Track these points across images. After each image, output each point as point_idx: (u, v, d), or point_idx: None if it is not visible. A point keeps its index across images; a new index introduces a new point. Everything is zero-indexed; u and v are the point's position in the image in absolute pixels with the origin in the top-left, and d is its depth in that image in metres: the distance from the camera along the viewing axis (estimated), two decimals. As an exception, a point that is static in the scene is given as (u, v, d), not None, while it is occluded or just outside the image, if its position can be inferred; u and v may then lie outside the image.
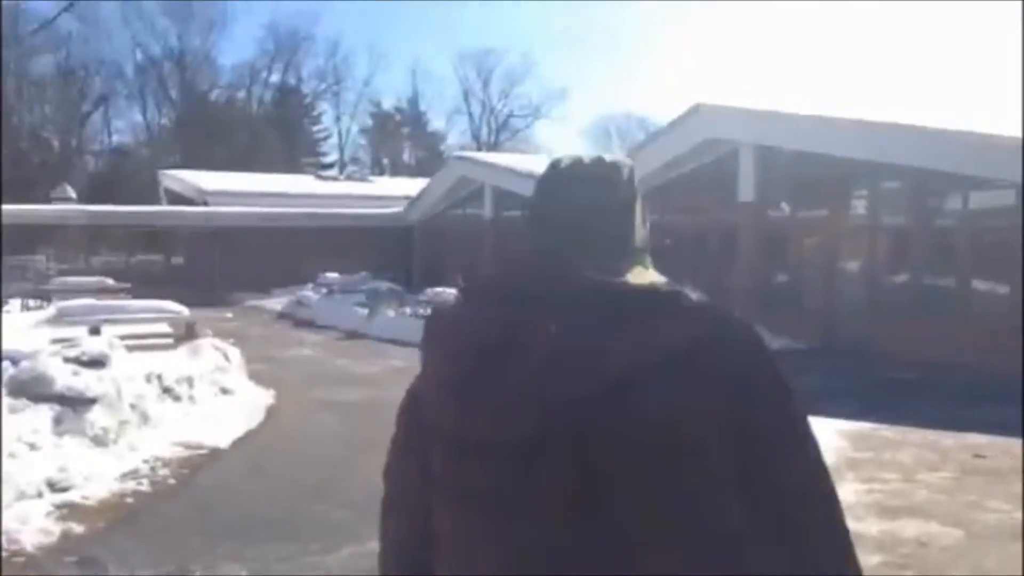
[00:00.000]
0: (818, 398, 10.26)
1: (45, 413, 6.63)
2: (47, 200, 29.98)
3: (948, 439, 7.92)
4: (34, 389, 6.99)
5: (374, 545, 5.28)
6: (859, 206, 15.83)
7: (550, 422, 1.16)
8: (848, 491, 6.29)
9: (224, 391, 9.63)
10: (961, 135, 12.99)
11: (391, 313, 17.31)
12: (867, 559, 4.87)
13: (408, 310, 17.13)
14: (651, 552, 1.15)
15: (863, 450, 7.56)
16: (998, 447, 7.58)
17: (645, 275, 1.34)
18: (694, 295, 1.24)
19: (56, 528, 5.32)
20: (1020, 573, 3.18)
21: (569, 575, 1.16)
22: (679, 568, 1.15)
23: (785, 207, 16.80)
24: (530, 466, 1.18)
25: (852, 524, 4.50)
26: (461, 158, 28.57)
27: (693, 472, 1.17)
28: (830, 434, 8.18)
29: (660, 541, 1.15)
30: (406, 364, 13.35)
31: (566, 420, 1.16)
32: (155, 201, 34.61)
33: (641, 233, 1.41)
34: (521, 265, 1.34)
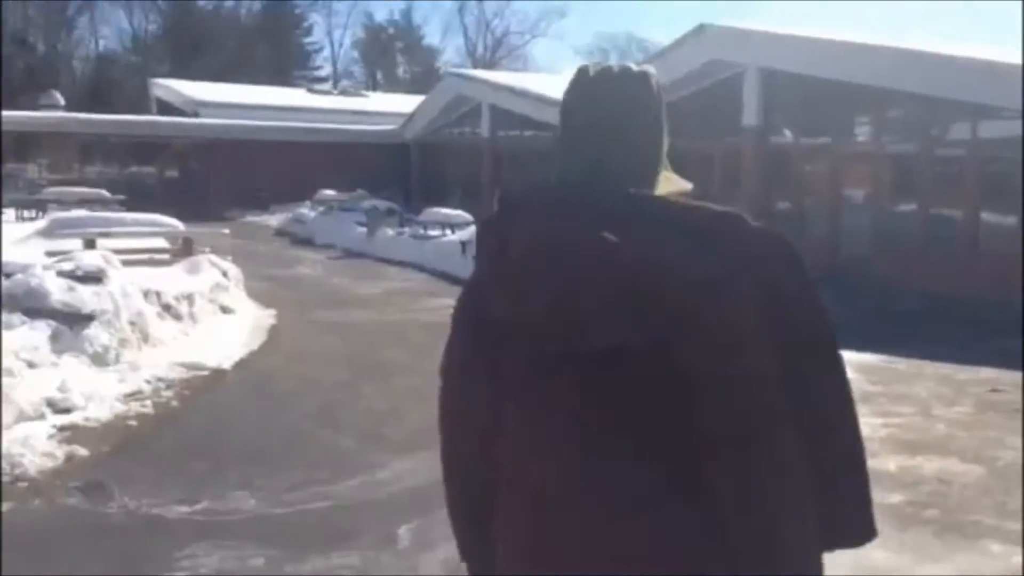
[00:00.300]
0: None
1: (42, 329, 6.44)
2: (35, 107, 29.25)
3: (962, 373, 7.83)
4: (28, 304, 6.80)
5: (384, 475, 5.13)
6: (864, 133, 15.47)
7: (636, 335, 1.20)
8: (863, 425, 6.18)
9: (224, 310, 9.46)
10: (970, 62, 12.61)
11: (390, 233, 17.06)
12: (887, 497, 4.79)
13: (407, 230, 16.87)
14: (721, 462, 1.21)
15: (876, 383, 7.46)
16: (1013, 381, 7.48)
17: (672, 180, 1.42)
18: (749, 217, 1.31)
19: (60, 452, 5.18)
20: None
21: (636, 481, 1.22)
22: (746, 473, 1.21)
23: (788, 133, 16.44)
24: (613, 378, 1.22)
25: (869, 460, 4.28)
26: (457, 75, 27.90)
27: (762, 387, 1.22)
28: (840, 365, 8.10)
29: (730, 453, 1.21)
30: (406, 285, 13.25)
31: (652, 333, 1.20)
32: (145, 110, 33.83)
33: (667, 140, 1.45)
34: (570, 177, 1.37)
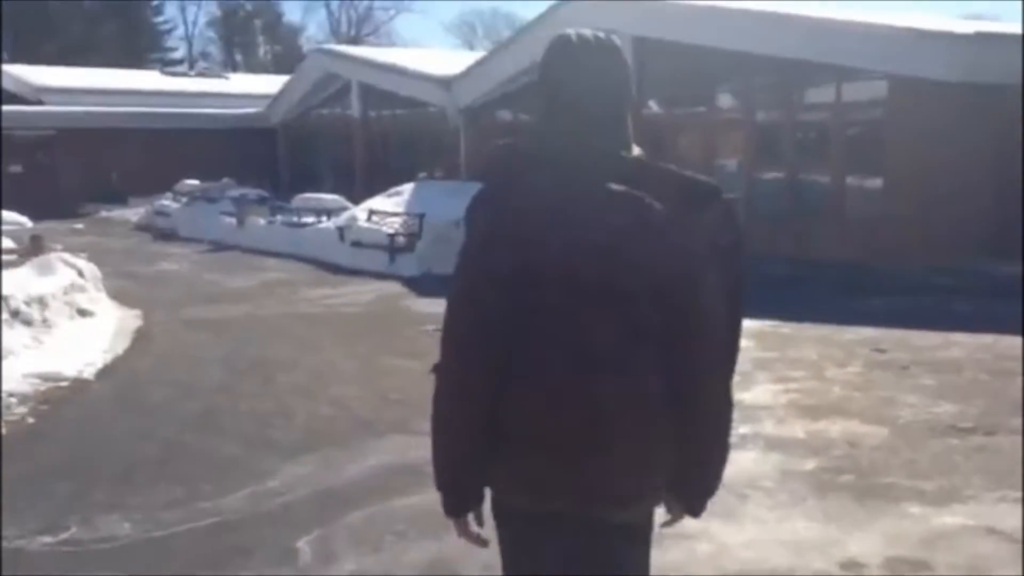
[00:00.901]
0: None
1: None
2: None
3: (846, 333, 7.97)
4: None
5: (275, 483, 4.64)
6: (734, 100, 15.71)
7: (625, 273, 1.67)
8: (764, 392, 6.19)
9: (82, 313, 8.67)
10: (831, 23, 12.95)
11: (262, 222, 16.27)
12: (802, 464, 4.74)
13: (280, 218, 16.12)
14: (682, 348, 1.72)
15: (768, 349, 7.49)
16: (893, 340, 7.67)
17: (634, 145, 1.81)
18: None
19: None
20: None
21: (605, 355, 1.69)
22: (699, 354, 1.74)
23: (653, 106, 16.53)
24: (605, 293, 1.67)
25: (778, 428, 5.04)
26: (324, 52, 26.90)
27: (711, 300, 1.73)
28: (730, 332, 8.11)
29: (689, 342, 1.73)
30: (282, 276, 12.61)
31: (643, 272, 1.67)
32: (-19, 102, 31.31)
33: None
34: (561, 141, 1.73)
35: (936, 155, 11.64)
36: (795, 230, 13.22)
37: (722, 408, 1.82)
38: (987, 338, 7.55)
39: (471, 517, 1.89)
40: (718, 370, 1.79)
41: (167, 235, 18.05)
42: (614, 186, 1.66)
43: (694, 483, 1.85)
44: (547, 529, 1.77)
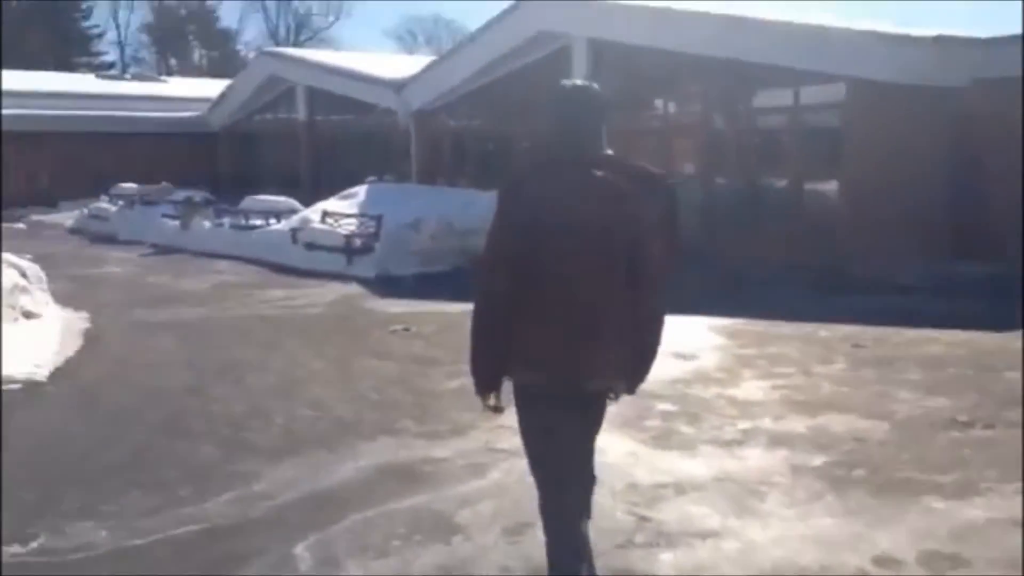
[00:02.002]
0: (669, 297, 10.12)
1: None
2: None
3: (821, 331, 7.92)
4: None
5: (261, 487, 4.28)
6: (690, 104, 15.70)
7: (606, 223, 2.55)
8: (754, 389, 6.07)
9: (27, 315, 8.17)
10: (788, 26, 13.01)
11: (208, 225, 15.72)
12: (810, 460, 4.60)
13: (228, 221, 15.60)
14: (646, 285, 2.60)
15: (747, 347, 7.39)
16: (870, 336, 7.64)
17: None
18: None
19: None
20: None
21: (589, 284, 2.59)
22: (654, 288, 2.63)
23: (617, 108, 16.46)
24: (589, 240, 2.55)
25: (776, 423, 5.21)
26: (270, 54, 26.35)
27: (652, 253, 2.60)
28: (703, 331, 8.00)
29: (649, 282, 2.62)
30: (235, 279, 12.15)
31: (618, 223, 2.55)
32: (-98, 103, 29.85)
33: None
34: (570, 152, 2.65)
35: (893, 157, 11.76)
36: (753, 235, 13.25)
37: (656, 322, 2.70)
38: (962, 334, 7.57)
39: (492, 396, 2.71)
40: (655, 296, 2.65)
41: (105, 238, 17.35)
42: (597, 172, 2.59)
43: (637, 371, 2.73)
44: (549, 401, 2.63)
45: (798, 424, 5.23)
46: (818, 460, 4.60)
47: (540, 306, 2.57)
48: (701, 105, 15.03)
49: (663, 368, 6.67)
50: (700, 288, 10.94)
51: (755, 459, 4.65)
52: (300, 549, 3.66)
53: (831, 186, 13.03)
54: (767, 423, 5.26)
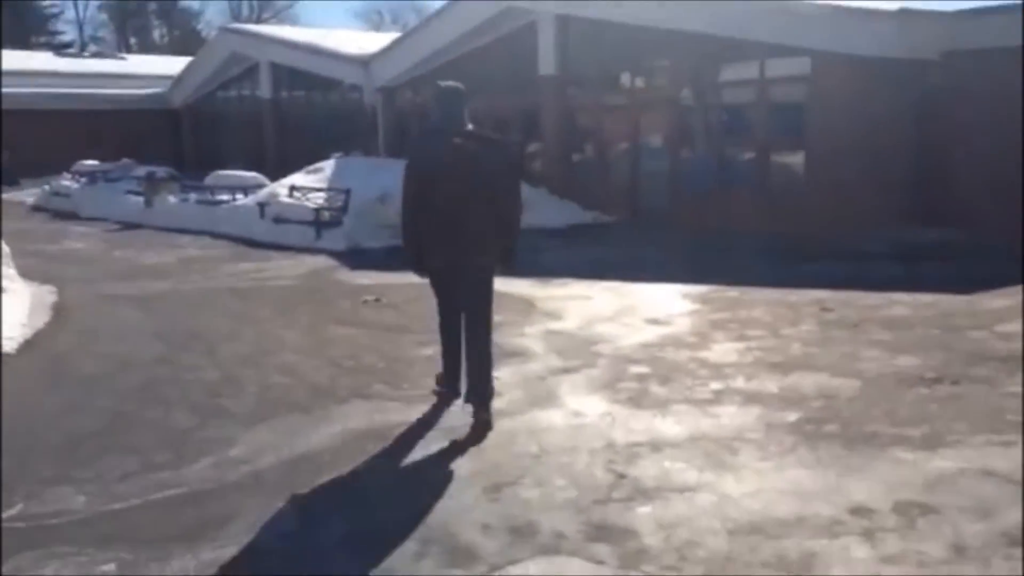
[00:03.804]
0: (643, 266, 10.26)
1: None
2: None
3: (791, 296, 8.01)
4: None
5: (238, 452, 4.28)
6: (659, 77, 15.72)
7: (472, 165, 4.45)
8: (728, 351, 6.14)
9: (-8, 289, 8.01)
10: (756, 1, 13.05)
11: (172, 200, 15.51)
12: (784, 416, 4.68)
13: (194, 196, 15.40)
14: (503, 201, 4.55)
15: (720, 310, 7.47)
16: (839, 300, 7.74)
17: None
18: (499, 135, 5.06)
19: None
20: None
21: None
22: (513, 204, 4.63)
23: (576, 88, 16.45)
24: (463, 176, 4.45)
25: (749, 383, 5.50)
26: (232, 31, 25.97)
27: (499, 186, 4.54)
28: (675, 297, 8.08)
29: (507, 198, 4.59)
30: (202, 253, 12.02)
31: (473, 168, 4.46)
32: None
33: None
34: (444, 125, 4.58)
35: (859, 129, 11.89)
36: (719, 206, 13.34)
37: (514, 225, 4.58)
38: (927, 297, 7.70)
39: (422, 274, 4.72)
40: (511, 209, 4.56)
41: (67, 215, 17.07)
42: (456, 140, 4.48)
43: (506, 255, 4.60)
44: (449, 274, 4.64)
45: (770, 383, 5.30)
46: (792, 416, 4.67)
47: (433, 219, 4.50)
48: (668, 79, 15.06)
49: (636, 333, 6.80)
50: (670, 256, 11.08)
51: (728, 417, 4.71)
52: (283, 508, 3.66)
53: (798, 158, 13.15)
54: (739, 383, 5.33)
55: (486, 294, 4.61)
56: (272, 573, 3.20)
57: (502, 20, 16.85)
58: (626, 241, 12.68)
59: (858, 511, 3.51)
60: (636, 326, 7.01)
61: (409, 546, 3.31)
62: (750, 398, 5.02)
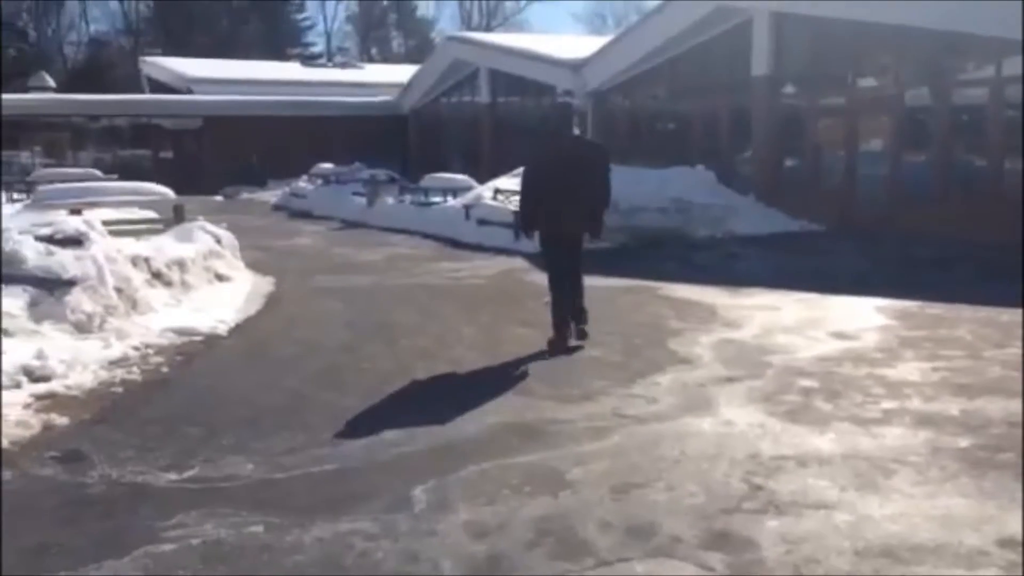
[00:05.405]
0: (844, 277, 9.72)
1: (18, 296, 5.95)
2: (24, 90, 28.63)
3: (1004, 315, 7.34)
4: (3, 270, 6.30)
5: (391, 435, 4.53)
6: (883, 76, 14.80)
7: (575, 160, 6.52)
8: (912, 369, 5.75)
9: (219, 277, 8.98)
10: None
11: (390, 201, 16.53)
12: (954, 441, 4.33)
13: (408, 198, 16.33)
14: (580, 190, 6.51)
15: (916, 328, 6.98)
16: (1059, 323, 6.99)
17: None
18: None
19: (36, 421, 4.73)
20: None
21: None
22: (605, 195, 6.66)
23: (790, 88, 15.82)
24: (567, 168, 6.43)
25: (927, 404, 5.13)
26: (455, 39, 27.20)
27: (593, 176, 6.56)
28: (869, 311, 7.64)
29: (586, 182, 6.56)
30: (409, 251, 12.73)
31: (578, 162, 6.53)
32: (138, 91, 33.20)
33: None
34: (558, 130, 7.53)
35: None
36: (943, 213, 12.38)
37: (604, 204, 6.56)
38: None
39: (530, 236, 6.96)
40: (602, 194, 6.50)
41: (301, 214, 18.63)
42: (565, 142, 6.93)
43: (595, 227, 6.56)
44: (556, 242, 6.54)
45: (951, 406, 4.91)
46: (963, 442, 4.32)
47: (545, 199, 6.31)
48: (893, 78, 14.16)
49: (816, 346, 6.50)
50: (877, 268, 10.45)
51: (893, 438, 4.42)
52: (418, 492, 3.87)
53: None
54: (915, 403, 4.98)
55: (579, 255, 6.57)
56: (390, 550, 3.40)
57: (715, 20, 16.54)
58: (832, 251, 12.07)
59: (1007, 543, 3.21)
60: (818, 339, 6.70)
61: (524, 535, 3.41)
62: (923, 420, 4.68)
